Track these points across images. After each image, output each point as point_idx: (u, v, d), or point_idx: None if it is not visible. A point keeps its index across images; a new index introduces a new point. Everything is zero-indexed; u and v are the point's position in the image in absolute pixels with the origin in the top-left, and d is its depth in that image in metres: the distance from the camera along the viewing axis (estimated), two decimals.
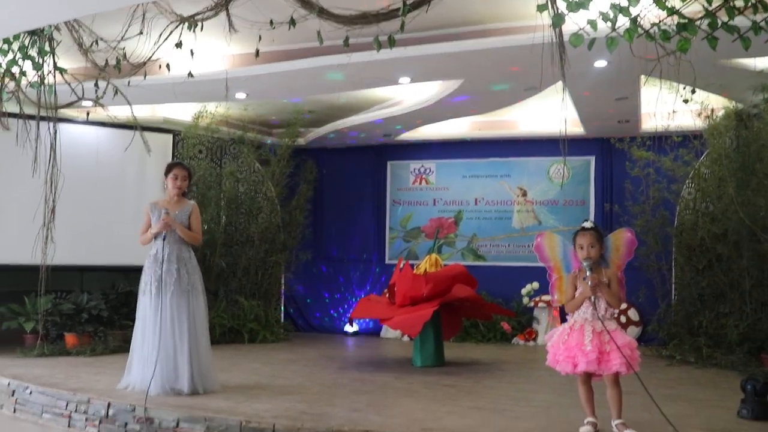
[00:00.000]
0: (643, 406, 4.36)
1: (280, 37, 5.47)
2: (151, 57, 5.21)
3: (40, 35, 5.03)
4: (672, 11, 3.68)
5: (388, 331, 9.73)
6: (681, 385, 6.05)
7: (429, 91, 7.94)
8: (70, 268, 8.08)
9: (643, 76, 6.55)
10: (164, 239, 5.39)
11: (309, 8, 4.53)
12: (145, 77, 5.74)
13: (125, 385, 5.33)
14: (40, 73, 5.12)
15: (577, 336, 4.07)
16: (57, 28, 5.11)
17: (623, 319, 8.86)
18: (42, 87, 5.18)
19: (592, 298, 4.04)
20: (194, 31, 4.84)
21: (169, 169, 5.62)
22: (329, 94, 8.00)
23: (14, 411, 5.49)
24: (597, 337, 4.01)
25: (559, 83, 5.85)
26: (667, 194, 8.35)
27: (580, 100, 7.67)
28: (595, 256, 4.09)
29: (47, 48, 5.05)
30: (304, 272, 10.51)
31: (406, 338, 9.21)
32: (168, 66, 5.28)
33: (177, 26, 4.92)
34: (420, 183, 10.51)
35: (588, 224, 4.21)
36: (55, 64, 5.18)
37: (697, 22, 3.63)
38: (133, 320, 5.53)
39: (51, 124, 5.14)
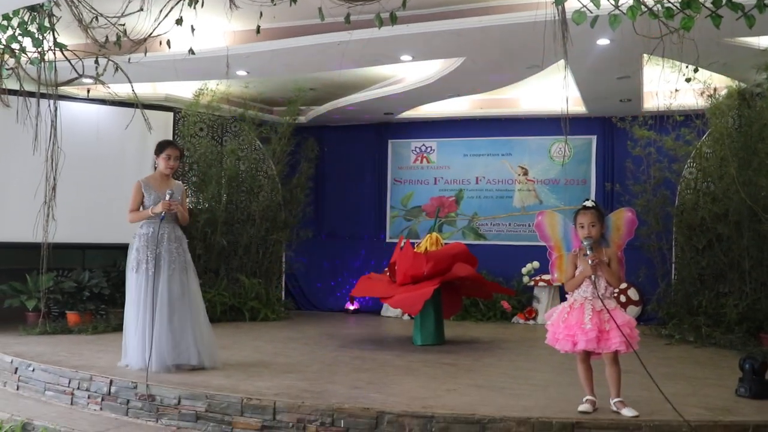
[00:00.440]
0: (642, 385, 4.39)
1: (281, 14, 5.43)
2: (151, 33, 5.16)
3: (39, 11, 4.97)
4: None
5: (388, 310, 9.75)
6: (680, 364, 6.08)
7: (430, 69, 7.91)
8: (71, 246, 8.10)
9: (645, 55, 6.51)
10: (162, 219, 5.41)
11: None
12: (145, 54, 5.71)
13: (125, 364, 5.35)
14: (40, 49, 5.07)
15: (577, 314, 4.09)
16: (57, 3, 5.06)
17: (623, 298, 8.89)
18: (42, 64, 5.14)
19: (592, 277, 4.05)
20: (195, 7, 4.80)
21: (161, 148, 5.59)
22: (330, 71, 7.95)
23: (17, 388, 5.54)
24: (597, 316, 4.03)
25: (561, 62, 5.81)
26: (669, 174, 8.33)
27: (582, 78, 7.63)
28: (595, 235, 4.10)
29: (47, 24, 5.00)
30: (305, 250, 10.51)
31: (406, 317, 9.24)
32: (168, 43, 5.24)
33: (177, 2, 4.88)
34: (421, 162, 10.49)
35: (589, 203, 4.21)
36: (55, 40, 5.13)
37: (701, 0, 3.60)
38: None
39: (51, 101, 5.11)
